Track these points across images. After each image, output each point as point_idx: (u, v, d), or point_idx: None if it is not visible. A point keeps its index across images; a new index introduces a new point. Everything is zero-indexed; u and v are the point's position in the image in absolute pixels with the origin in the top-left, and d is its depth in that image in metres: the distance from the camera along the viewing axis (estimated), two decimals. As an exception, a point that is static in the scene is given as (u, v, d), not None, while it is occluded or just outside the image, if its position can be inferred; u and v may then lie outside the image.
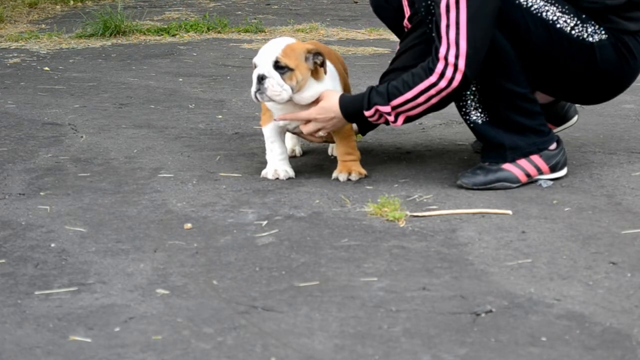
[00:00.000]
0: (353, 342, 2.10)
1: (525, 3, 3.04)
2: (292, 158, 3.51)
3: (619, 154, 3.56)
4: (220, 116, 4.33)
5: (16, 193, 3.19)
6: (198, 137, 3.93)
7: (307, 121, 3.18)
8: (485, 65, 3.02)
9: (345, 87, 3.40)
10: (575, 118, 3.61)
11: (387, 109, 3.05)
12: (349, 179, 3.24)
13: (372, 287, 2.39)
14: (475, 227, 2.81)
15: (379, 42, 6.53)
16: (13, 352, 2.07)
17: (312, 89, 3.16)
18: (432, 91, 2.99)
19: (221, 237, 2.75)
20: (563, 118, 3.58)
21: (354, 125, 3.31)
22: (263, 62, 3.11)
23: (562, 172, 3.24)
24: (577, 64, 3.11)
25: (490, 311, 2.24)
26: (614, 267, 2.49)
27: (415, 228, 2.81)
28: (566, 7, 3.07)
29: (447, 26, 2.94)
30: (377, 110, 3.08)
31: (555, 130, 3.43)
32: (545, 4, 3.06)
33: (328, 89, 3.18)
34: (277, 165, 3.29)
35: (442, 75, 2.96)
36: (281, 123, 3.24)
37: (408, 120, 3.09)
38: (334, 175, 3.27)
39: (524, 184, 3.18)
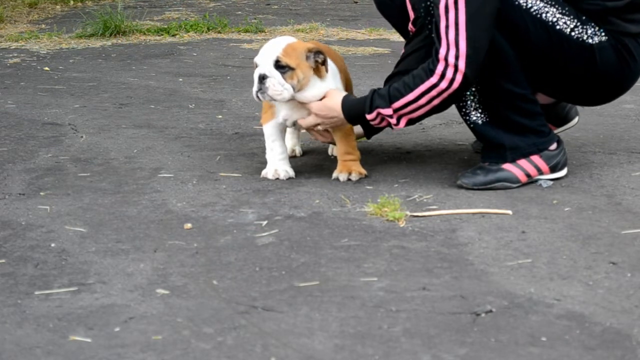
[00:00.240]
0: (353, 342, 2.10)
1: (524, 4, 3.04)
2: (292, 158, 3.51)
3: (619, 154, 3.56)
4: (220, 116, 4.33)
5: (16, 193, 3.19)
6: (198, 137, 3.93)
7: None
8: (485, 66, 3.02)
9: (348, 83, 3.40)
10: (576, 119, 3.61)
11: (389, 111, 3.05)
12: (349, 179, 3.24)
13: (372, 287, 2.39)
14: (475, 227, 2.81)
15: (379, 42, 6.53)
16: (13, 352, 2.07)
17: (315, 88, 3.16)
18: (433, 92, 2.99)
19: (221, 237, 2.75)
20: (564, 119, 3.58)
21: (360, 128, 3.31)
22: (264, 61, 3.12)
23: (562, 173, 3.24)
24: (577, 65, 3.11)
25: (490, 311, 2.24)
26: (614, 267, 2.49)
27: (415, 228, 2.81)
28: (566, 8, 3.07)
29: (447, 27, 2.94)
30: (379, 114, 3.07)
31: (555, 131, 3.43)
32: (545, 5, 3.05)
33: (332, 88, 3.18)
34: (277, 165, 3.29)
35: (442, 76, 2.96)
36: (281, 119, 3.24)
37: (410, 122, 3.09)
38: (334, 175, 3.27)
39: (524, 184, 3.18)
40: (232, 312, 2.25)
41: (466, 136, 3.79)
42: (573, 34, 3.07)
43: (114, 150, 3.73)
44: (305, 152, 3.65)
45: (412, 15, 3.40)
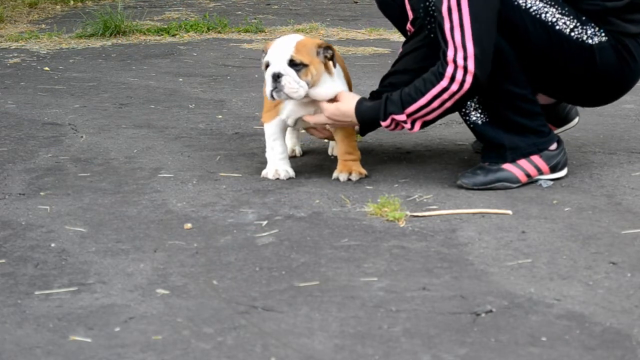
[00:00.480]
0: (353, 342, 2.10)
1: (524, 4, 3.04)
2: (292, 158, 3.51)
3: (619, 154, 3.56)
4: (220, 116, 4.33)
5: (16, 193, 3.19)
6: (198, 137, 3.93)
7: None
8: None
9: (348, 83, 3.41)
10: (577, 119, 3.61)
11: (402, 117, 3.05)
12: (349, 179, 3.24)
13: (372, 287, 2.39)
14: (475, 227, 2.81)
15: (379, 42, 6.54)
16: (13, 352, 2.07)
17: (326, 84, 3.17)
18: (445, 95, 2.99)
19: (221, 237, 2.75)
20: (564, 119, 3.58)
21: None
22: (277, 60, 3.10)
23: (562, 173, 3.24)
24: (577, 65, 3.10)
25: (490, 311, 2.24)
26: (614, 267, 2.49)
27: (415, 228, 2.81)
28: (566, 8, 3.07)
29: (451, 28, 2.93)
30: (393, 120, 3.07)
31: (556, 132, 3.43)
32: (545, 5, 3.05)
33: (343, 89, 3.19)
34: (277, 165, 3.29)
35: (452, 78, 2.95)
36: (285, 116, 3.24)
37: (425, 125, 3.09)
38: (335, 175, 3.27)
39: (524, 184, 3.18)
40: (232, 312, 2.25)
41: (466, 136, 3.79)
42: (573, 34, 3.07)
43: (114, 150, 3.73)
44: (305, 152, 3.65)
45: (410, 15, 3.40)
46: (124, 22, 6.85)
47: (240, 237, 2.76)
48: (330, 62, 3.18)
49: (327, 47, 3.18)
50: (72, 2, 8.69)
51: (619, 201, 3.02)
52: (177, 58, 5.99)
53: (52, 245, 2.71)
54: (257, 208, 3.00)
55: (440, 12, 2.95)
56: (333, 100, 3.18)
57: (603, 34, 3.09)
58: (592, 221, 2.84)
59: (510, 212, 2.92)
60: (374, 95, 3.30)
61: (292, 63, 3.10)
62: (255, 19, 7.46)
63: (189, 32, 6.96)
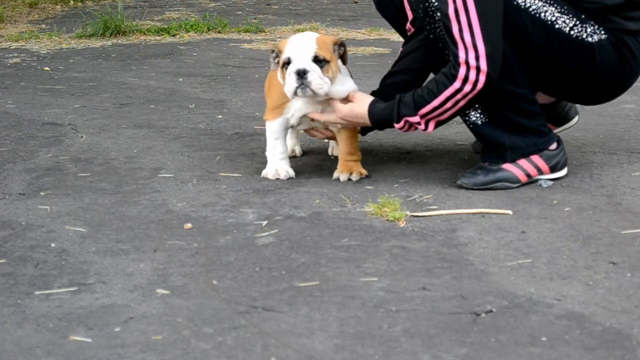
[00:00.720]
0: (353, 342, 2.10)
1: (523, 3, 3.04)
2: (292, 158, 3.51)
3: (619, 154, 3.56)
4: (220, 116, 4.33)
5: (16, 193, 3.19)
6: (198, 137, 3.93)
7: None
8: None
9: None
10: (576, 119, 3.61)
11: (416, 118, 3.05)
12: (349, 179, 3.24)
13: (372, 287, 2.39)
14: (475, 227, 2.81)
15: (379, 42, 6.54)
16: (13, 352, 2.07)
17: (339, 81, 3.16)
18: (458, 96, 2.99)
19: (221, 237, 2.75)
20: (564, 119, 3.58)
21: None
22: (301, 56, 3.08)
23: (562, 172, 3.24)
24: (577, 64, 3.10)
25: (490, 311, 2.24)
26: (614, 267, 2.49)
27: (415, 228, 2.81)
28: (565, 7, 3.07)
29: (460, 30, 2.93)
30: (406, 122, 3.08)
31: (555, 131, 3.43)
32: (544, 4, 3.05)
33: (355, 89, 3.19)
34: (277, 165, 3.28)
35: (465, 79, 2.95)
36: (289, 114, 3.23)
37: (439, 124, 3.10)
38: (335, 175, 3.27)
39: (524, 184, 3.18)
40: (232, 312, 2.25)
41: (466, 136, 3.79)
42: (572, 32, 3.07)
43: (114, 150, 3.73)
44: (305, 152, 3.66)
45: (410, 15, 3.40)
46: (124, 22, 6.85)
47: (240, 237, 2.76)
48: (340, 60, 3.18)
49: (341, 44, 3.18)
50: (72, 2, 8.69)
51: (619, 201, 3.02)
52: (177, 58, 5.99)
53: (52, 245, 2.71)
54: (257, 208, 3.00)
55: (446, 16, 2.94)
56: (345, 99, 3.17)
57: (602, 32, 3.09)
58: (592, 221, 2.84)
59: (510, 212, 2.92)
60: (375, 95, 3.30)
61: (316, 59, 3.08)
62: (255, 19, 7.46)
63: (189, 32, 6.96)
